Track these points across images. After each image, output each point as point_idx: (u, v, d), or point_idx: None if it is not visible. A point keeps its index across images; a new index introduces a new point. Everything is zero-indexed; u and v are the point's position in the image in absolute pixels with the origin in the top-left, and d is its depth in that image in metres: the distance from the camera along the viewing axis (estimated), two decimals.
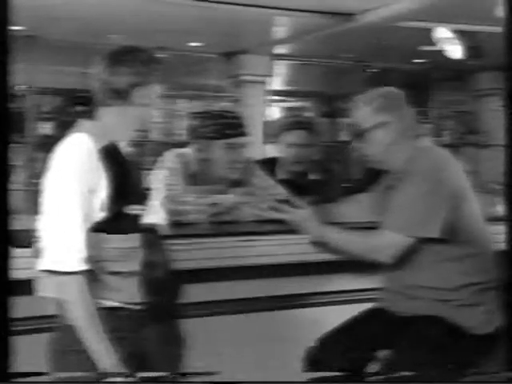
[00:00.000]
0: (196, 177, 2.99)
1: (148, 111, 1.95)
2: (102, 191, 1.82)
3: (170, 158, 3.05)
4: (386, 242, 2.27)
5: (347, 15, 5.10)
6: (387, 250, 2.26)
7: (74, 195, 1.78)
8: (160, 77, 1.95)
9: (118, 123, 1.92)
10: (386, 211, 2.31)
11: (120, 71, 1.89)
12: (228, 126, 2.93)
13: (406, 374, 2.11)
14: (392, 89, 2.43)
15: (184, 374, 1.98)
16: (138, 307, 1.89)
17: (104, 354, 1.79)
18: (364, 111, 2.37)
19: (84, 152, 1.81)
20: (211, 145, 2.92)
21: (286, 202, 2.50)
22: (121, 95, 1.89)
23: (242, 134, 2.97)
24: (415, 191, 2.25)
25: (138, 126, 1.97)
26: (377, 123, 2.34)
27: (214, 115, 3.01)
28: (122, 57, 1.91)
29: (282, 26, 5.56)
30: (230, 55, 6.57)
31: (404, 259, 2.29)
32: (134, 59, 1.91)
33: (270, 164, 3.65)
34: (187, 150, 3.04)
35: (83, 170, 1.79)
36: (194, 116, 3.17)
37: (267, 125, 6.53)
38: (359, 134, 2.38)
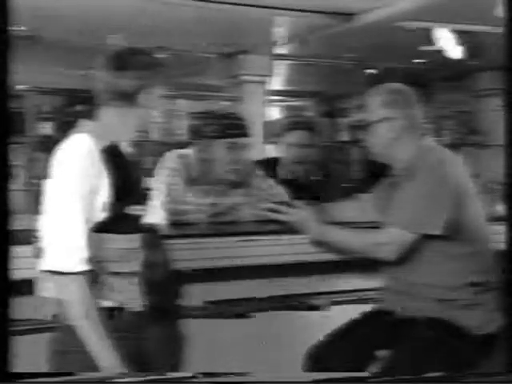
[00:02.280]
0: (197, 177, 2.99)
1: (150, 112, 1.96)
2: (103, 192, 1.82)
3: (171, 158, 3.05)
4: (389, 239, 2.27)
5: (347, 15, 5.09)
6: (390, 247, 2.27)
7: (75, 196, 1.78)
8: (163, 78, 1.95)
9: (119, 124, 1.92)
10: (389, 208, 2.33)
11: (126, 74, 1.89)
12: (231, 126, 2.93)
13: (407, 374, 2.11)
14: (402, 85, 2.45)
15: (184, 375, 1.98)
16: (139, 307, 1.89)
17: (104, 355, 1.79)
18: (372, 105, 2.40)
19: (85, 153, 1.81)
20: (213, 144, 2.92)
21: (286, 203, 2.50)
22: (126, 97, 1.89)
23: (245, 135, 2.97)
24: (419, 188, 2.27)
25: (140, 126, 1.97)
26: (383, 117, 2.37)
27: (217, 115, 3.02)
28: (128, 59, 1.91)
29: (282, 26, 5.56)
30: (230, 55, 6.56)
31: (406, 257, 2.29)
32: (139, 62, 1.91)
33: (270, 164, 3.65)
34: (188, 151, 3.05)
35: (84, 171, 1.79)
36: (196, 116, 3.17)
37: (267, 125, 6.53)
38: (366, 127, 2.41)
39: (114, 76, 1.89)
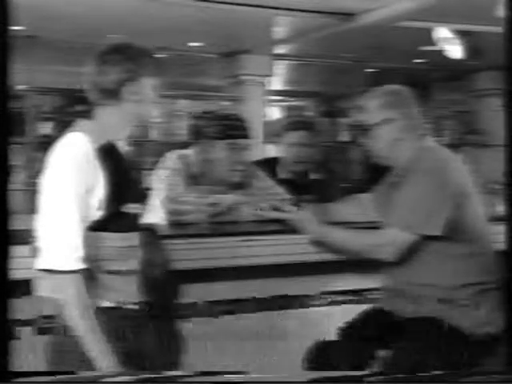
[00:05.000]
0: (197, 178, 2.99)
1: (143, 106, 1.94)
2: (100, 190, 1.81)
3: (171, 158, 3.05)
4: (389, 239, 2.27)
5: (347, 15, 5.09)
6: (390, 248, 2.27)
7: (71, 194, 1.77)
8: (151, 70, 1.93)
9: (114, 121, 1.92)
10: (389, 209, 2.32)
11: (106, 70, 1.89)
12: (231, 128, 2.93)
13: (406, 374, 2.11)
14: (399, 87, 2.45)
15: (183, 374, 1.98)
16: (137, 307, 1.89)
17: (101, 354, 1.79)
18: (371, 107, 2.40)
19: (80, 151, 1.80)
20: (214, 145, 2.92)
21: (286, 202, 2.50)
22: (111, 94, 1.89)
23: (245, 137, 2.97)
24: (419, 189, 2.27)
25: (135, 122, 1.97)
26: (382, 119, 2.37)
27: (219, 116, 3.02)
28: (107, 56, 1.91)
29: (281, 26, 5.56)
30: (230, 55, 6.56)
31: (406, 257, 2.29)
32: (118, 57, 1.90)
33: (270, 164, 3.65)
34: (189, 151, 3.05)
35: (80, 170, 1.79)
36: (197, 116, 3.17)
37: (267, 125, 6.53)
38: (365, 129, 2.41)
39: (96, 73, 1.90)
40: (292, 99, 8.55)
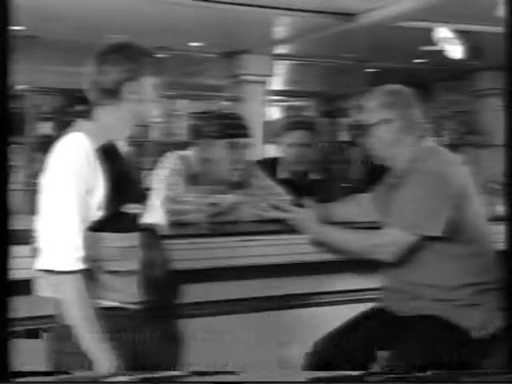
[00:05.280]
0: (197, 178, 2.99)
1: (143, 106, 1.94)
2: (100, 190, 1.81)
3: (171, 158, 3.05)
4: (389, 240, 2.28)
5: (347, 15, 5.10)
6: (390, 248, 2.27)
7: (71, 195, 1.77)
8: (151, 70, 1.93)
9: (114, 121, 1.92)
10: (389, 210, 2.33)
11: (106, 70, 1.89)
12: (231, 127, 2.93)
13: (406, 374, 2.11)
14: (400, 87, 2.45)
15: (183, 374, 1.98)
16: (137, 307, 1.89)
17: (101, 354, 1.79)
18: (370, 107, 2.40)
19: (80, 151, 1.80)
20: (214, 145, 2.92)
21: (287, 201, 2.50)
22: (111, 93, 1.89)
23: (245, 136, 2.97)
24: (420, 190, 2.27)
25: (136, 122, 1.96)
26: (381, 119, 2.37)
27: (218, 115, 3.02)
28: (107, 56, 1.91)
29: (282, 26, 5.56)
30: (230, 55, 6.57)
31: (406, 257, 2.29)
32: (118, 56, 1.90)
33: (270, 164, 3.65)
34: (189, 151, 3.05)
35: (80, 170, 1.79)
36: (197, 116, 3.17)
37: (267, 125, 6.53)
38: (365, 129, 2.41)
39: (96, 73, 1.90)
40: (292, 99, 8.56)
